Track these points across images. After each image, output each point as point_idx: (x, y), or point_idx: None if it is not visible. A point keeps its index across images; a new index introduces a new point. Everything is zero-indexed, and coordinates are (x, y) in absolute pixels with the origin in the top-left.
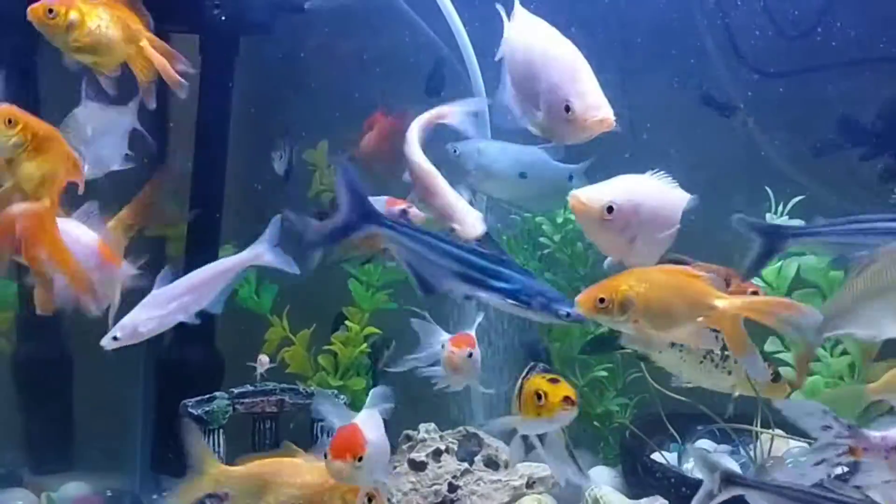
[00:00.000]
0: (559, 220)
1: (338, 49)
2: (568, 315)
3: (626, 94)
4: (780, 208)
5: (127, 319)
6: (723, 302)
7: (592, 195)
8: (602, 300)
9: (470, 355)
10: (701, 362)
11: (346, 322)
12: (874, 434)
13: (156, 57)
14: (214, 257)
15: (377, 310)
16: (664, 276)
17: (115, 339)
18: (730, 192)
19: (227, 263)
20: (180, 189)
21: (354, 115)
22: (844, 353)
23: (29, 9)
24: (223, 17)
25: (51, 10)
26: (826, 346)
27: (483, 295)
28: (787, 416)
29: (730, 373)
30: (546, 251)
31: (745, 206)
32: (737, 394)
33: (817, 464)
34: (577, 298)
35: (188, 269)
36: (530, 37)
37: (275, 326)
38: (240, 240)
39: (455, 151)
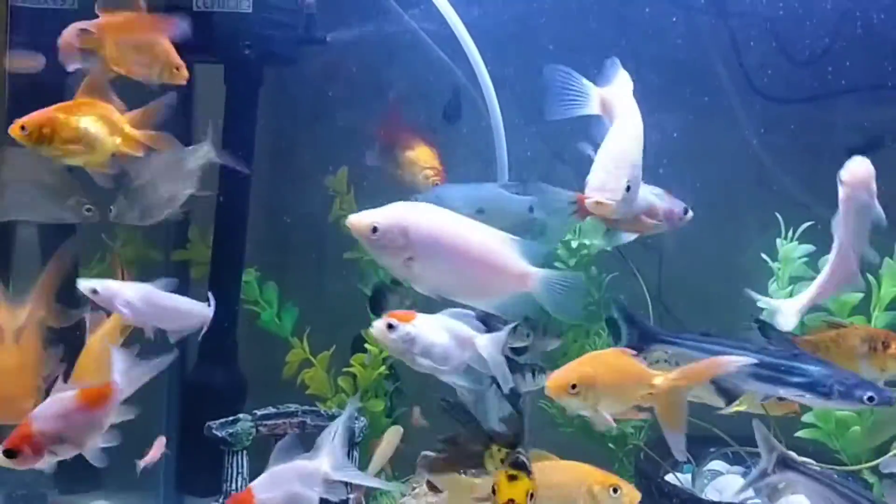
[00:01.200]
0: (574, 244)
1: (359, 79)
2: (871, 399)
3: None
4: (790, 234)
5: None
6: (659, 379)
7: (362, 216)
8: (574, 386)
9: (390, 327)
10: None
11: (366, 344)
12: None
13: (142, 136)
14: (238, 282)
15: None
16: (612, 358)
17: None
18: (741, 217)
19: None
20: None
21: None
22: None
23: (9, 129)
24: (248, 49)
25: (23, 128)
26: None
27: (781, 391)
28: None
29: None
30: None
31: (756, 231)
32: (732, 410)
33: None
34: (549, 384)
35: (212, 292)
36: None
37: (295, 348)
38: (262, 263)
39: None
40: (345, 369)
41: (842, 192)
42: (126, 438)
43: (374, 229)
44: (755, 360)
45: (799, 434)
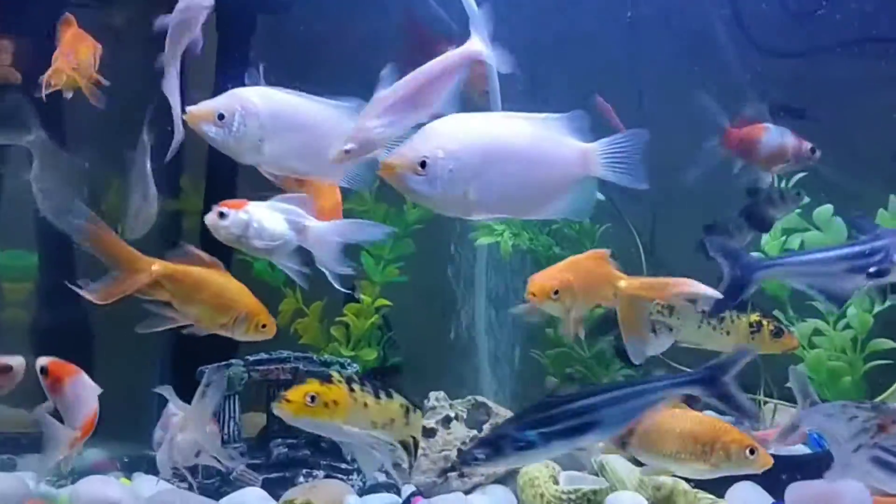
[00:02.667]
0: None
1: (352, 27)
2: None
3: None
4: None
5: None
6: (623, 282)
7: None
8: (556, 292)
9: (222, 215)
10: (699, 327)
11: (358, 294)
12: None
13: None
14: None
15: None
16: (589, 263)
17: (346, 151)
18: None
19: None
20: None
21: (367, 92)
22: (847, 327)
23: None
24: None
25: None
26: (829, 321)
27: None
28: (811, 427)
29: (728, 333)
30: (555, 226)
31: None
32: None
33: (856, 450)
34: (533, 289)
35: (203, 244)
36: None
37: (288, 298)
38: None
39: None
40: (337, 318)
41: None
42: (120, 389)
43: (423, 164)
44: (719, 296)
45: (791, 384)
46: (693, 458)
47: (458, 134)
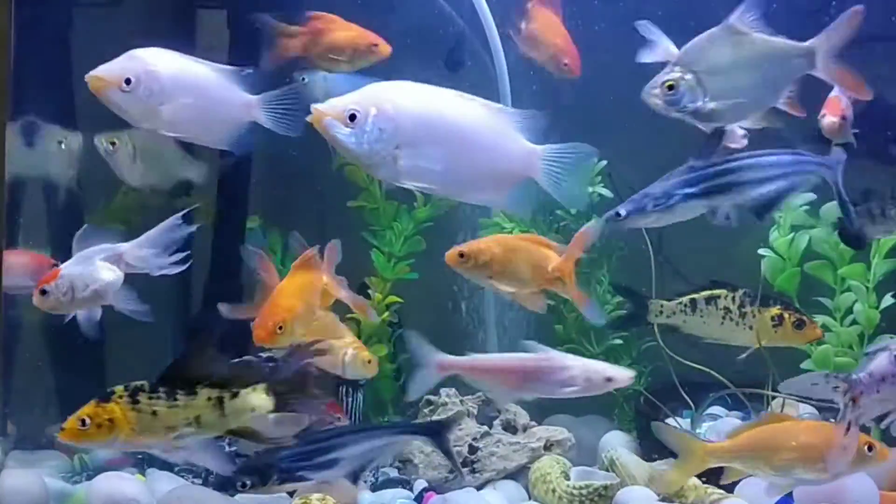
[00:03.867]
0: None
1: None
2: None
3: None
4: None
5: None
6: (552, 263)
7: (331, 103)
8: (462, 255)
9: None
10: (722, 323)
11: (369, 290)
12: (861, 375)
13: None
14: (242, 228)
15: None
16: (512, 239)
17: None
18: None
19: None
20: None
21: None
22: (854, 322)
23: None
24: None
25: None
26: (836, 316)
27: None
28: (796, 394)
29: (751, 328)
30: (563, 223)
31: None
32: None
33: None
34: (447, 253)
35: (216, 240)
36: None
37: None
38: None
39: (303, 80)
40: (348, 315)
41: None
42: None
43: (353, 116)
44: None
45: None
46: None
47: (399, 98)
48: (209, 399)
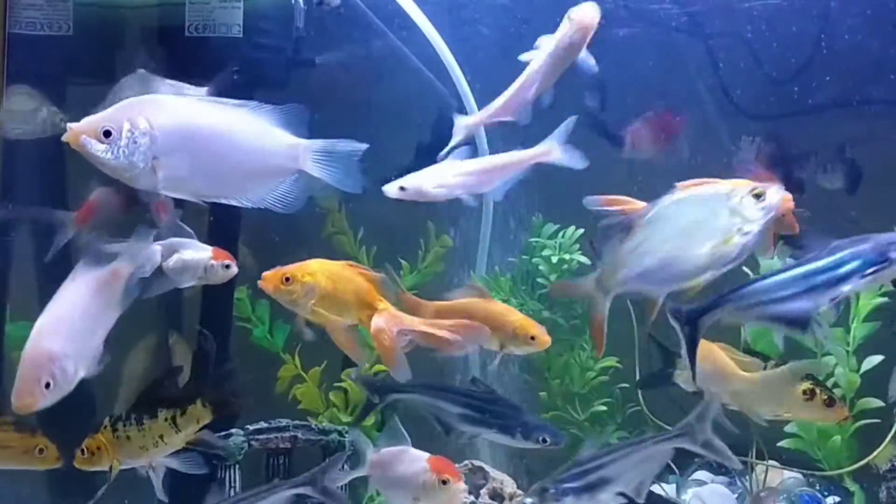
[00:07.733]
0: (555, 260)
1: (348, 99)
2: (545, 441)
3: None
4: None
5: (415, 176)
6: (382, 305)
7: (84, 122)
8: (287, 279)
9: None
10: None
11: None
12: None
13: None
14: (230, 300)
15: None
16: (337, 267)
17: (401, 189)
18: None
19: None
20: None
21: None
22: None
23: None
24: (237, 74)
25: None
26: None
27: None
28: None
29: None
30: (544, 290)
31: None
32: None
33: None
34: (264, 274)
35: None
36: None
37: (287, 364)
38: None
39: None
40: (336, 384)
41: (565, 26)
42: None
43: (108, 133)
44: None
45: (782, 444)
46: None
47: (151, 111)
48: (166, 419)
